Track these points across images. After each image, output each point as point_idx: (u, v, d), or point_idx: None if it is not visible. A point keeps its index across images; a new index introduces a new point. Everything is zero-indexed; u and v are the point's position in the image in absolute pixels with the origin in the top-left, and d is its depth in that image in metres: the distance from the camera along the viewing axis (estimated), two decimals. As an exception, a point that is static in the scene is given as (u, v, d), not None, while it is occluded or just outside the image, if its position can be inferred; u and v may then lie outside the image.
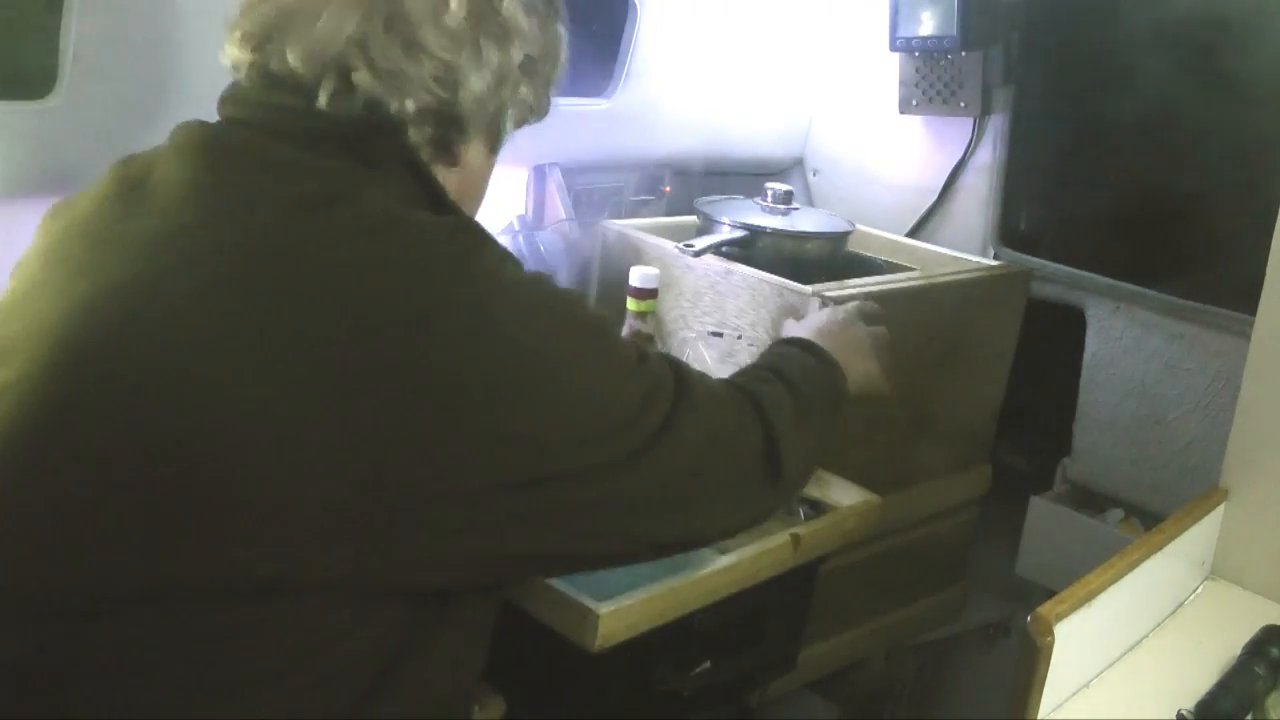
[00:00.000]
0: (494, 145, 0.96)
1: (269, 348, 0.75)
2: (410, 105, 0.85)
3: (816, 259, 1.70)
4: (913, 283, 1.64)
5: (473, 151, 0.93)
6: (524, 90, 0.93)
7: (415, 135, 0.87)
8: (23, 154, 1.23)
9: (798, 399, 1.05)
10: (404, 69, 0.85)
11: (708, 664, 1.24)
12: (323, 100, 0.84)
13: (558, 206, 1.83)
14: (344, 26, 0.84)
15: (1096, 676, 1.15)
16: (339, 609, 0.77)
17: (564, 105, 1.83)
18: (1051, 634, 1.02)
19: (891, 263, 1.82)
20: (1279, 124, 1.63)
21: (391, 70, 0.84)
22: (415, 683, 0.83)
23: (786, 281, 1.53)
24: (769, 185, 1.76)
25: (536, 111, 0.98)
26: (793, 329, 1.28)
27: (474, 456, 0.77)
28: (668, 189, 2.02)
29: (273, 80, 0.86)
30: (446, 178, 0.91)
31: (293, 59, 0.84)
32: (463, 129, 0.89)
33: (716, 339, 1.44)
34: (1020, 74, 1.89)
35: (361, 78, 0.84)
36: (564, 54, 0.98)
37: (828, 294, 1.47)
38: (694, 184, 2.06)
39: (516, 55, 0.90)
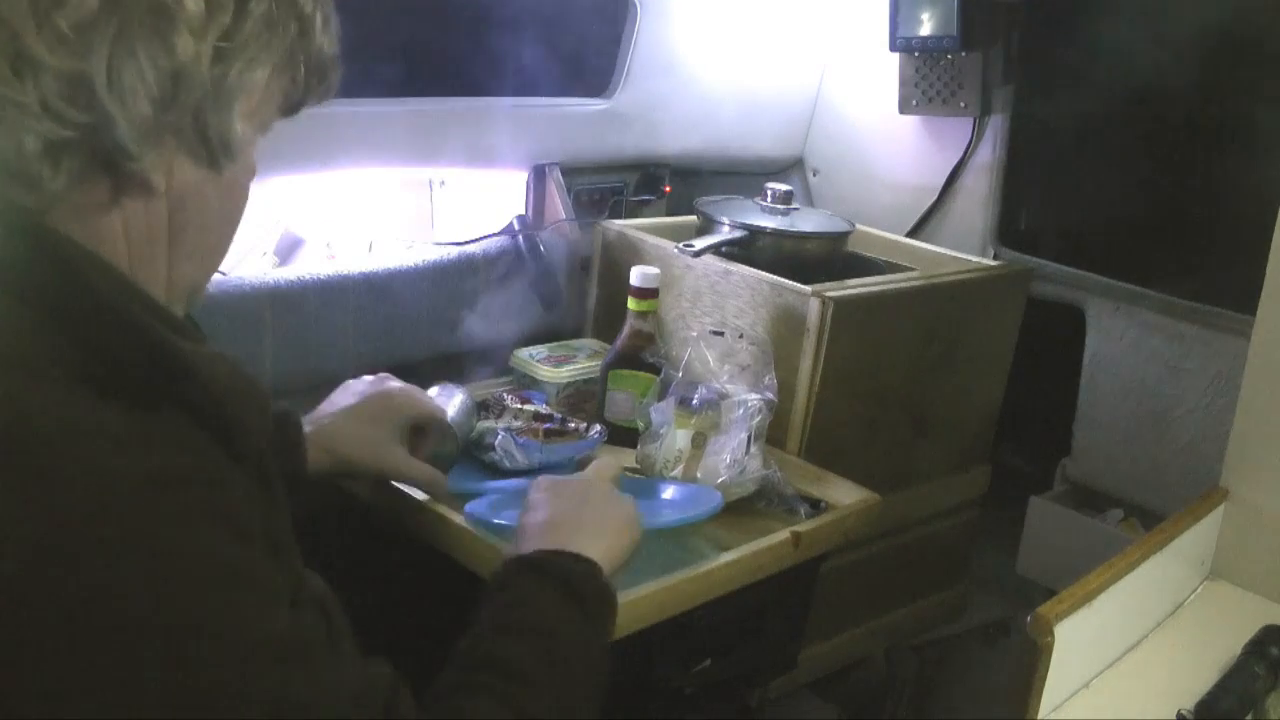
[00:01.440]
0: (214, 157, 0.72)
1: None
2: (32, 142, 0.65)
3: (816, 259, 1.71)
4: (913, 283, 1.64)
5: (180, 171, 0.72)
6: (239, 78, 0.71)
7: (55, 179, 0.66)
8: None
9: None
10: (10, 94, 0.64)
11: (708, 662, 1.24)
12: None
13: (558, 206, 1.83)
14: None
15: (1096, 676, 1.15)
16: None
17: (564, 105, 1.85)
18: (1051, 634, 1.02)
19: (891, 263, 1.82)
20: (1279, 123, 1.63)
21: None
22: None
23: (786, 281, 1.53)
24: (769, 185, 1.76)
25: (304, 89, 0.78)
26: (536, 530, 1.00)
27: None
28: (668, 189, 2.02)
29: None
30: (145, 215, 0.72)
31: None
32: (131, 154, 0.67)
33: (717, 338, 1.44)
34: (1020, 74, 1.89)
35: None
36: (313, 10, 0.76)
37: (828, 294, 1.47)
38: (694, 184, 2.06)
39: (188, 46, 0.67)
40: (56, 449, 0.63)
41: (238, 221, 0.81)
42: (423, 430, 1.24)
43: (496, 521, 1.19)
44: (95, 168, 0.68)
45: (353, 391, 1.22)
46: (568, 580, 0.92)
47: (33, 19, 0.63)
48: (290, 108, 0.80)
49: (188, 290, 0.79)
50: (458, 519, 1.20)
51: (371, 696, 0.74)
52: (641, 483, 1.39)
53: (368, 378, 1.25)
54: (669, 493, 1.35)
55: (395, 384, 1.25)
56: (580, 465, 1.31)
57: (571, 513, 1.02)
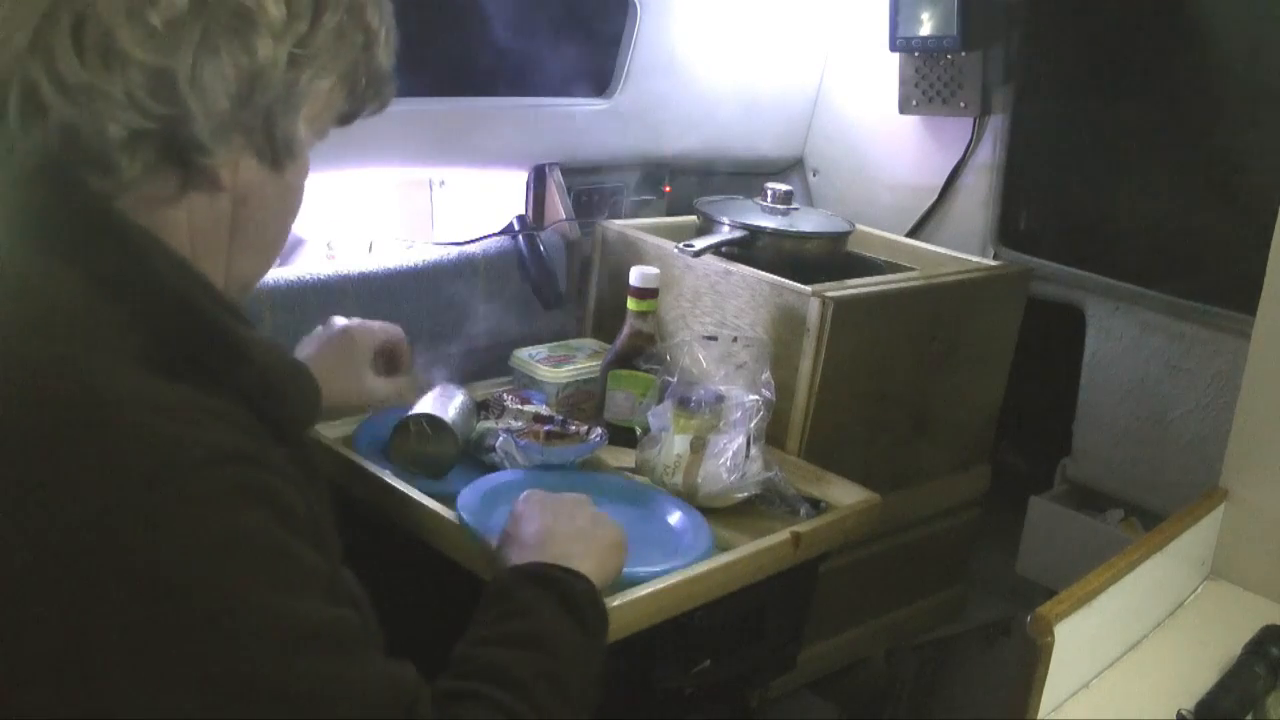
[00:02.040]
0: (277, 157, 0.76)
1: None
2: (115, 130, 0.68)
3: (816, 259, 1.70)
4: (913, 283, 1.64)
5: (245, 169, 0.75)
6: (308, 84, 0.75)
7: (131, 168, 0.70)
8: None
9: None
10: (99, 84, 0.67)
11: (708, 662, 1.24)
12: (13, 119, 0.68)
13: (558, 206, 1.83)
14: (19, 31, 0.67)
15: (1096, 676, 1.15)
16: None
17: (564, 105, 1.84)
18: (1051, 634, 1.02)
19: (891, 263, 1.82)
20: (1279, 123, 1.63)
21: (83, 86, 0.67)
22: None
23: (786, 281, 1.53)
24: (769, 185, 1.76)
25: (361, 100, 0.83)
26: (531, 541, 1.01)
27: None
28: (668, 189, 2.02)
29: None
30: (209, 209, 0.76)
31: None
32: (205, 149, 0.71)
33: (711, 342, 1.44)
34: (1020, 74, 1.89)
35: (50, 96, 0.67)
36: (379, 26, 0.80)
37: (828, 294, 1.47)
38: (694, 184, 2.06)
39: (267, 49, 0.71)
40: (118, 417, 0.65)
41: (293, 220, 0.84)
42: (394, 354, 1.27)
43: (465, 517, 1.17)
44: (168, 160, 0.71)
45: (309, 344, 1.24)
46: (569, 596, 0.93)
47: (125, 14, 0.67)
48: (346, 117, 0.83)
49: (243, 284, 0.82)
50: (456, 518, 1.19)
51: (397, 695, 0.75)
52: (639, 492, 1.35)
53: (318, 328, 1.26)
54: (673, 517, 1.30)
55: (344, 321, 1.26)
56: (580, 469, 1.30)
57: (564, 529, 1.03)
